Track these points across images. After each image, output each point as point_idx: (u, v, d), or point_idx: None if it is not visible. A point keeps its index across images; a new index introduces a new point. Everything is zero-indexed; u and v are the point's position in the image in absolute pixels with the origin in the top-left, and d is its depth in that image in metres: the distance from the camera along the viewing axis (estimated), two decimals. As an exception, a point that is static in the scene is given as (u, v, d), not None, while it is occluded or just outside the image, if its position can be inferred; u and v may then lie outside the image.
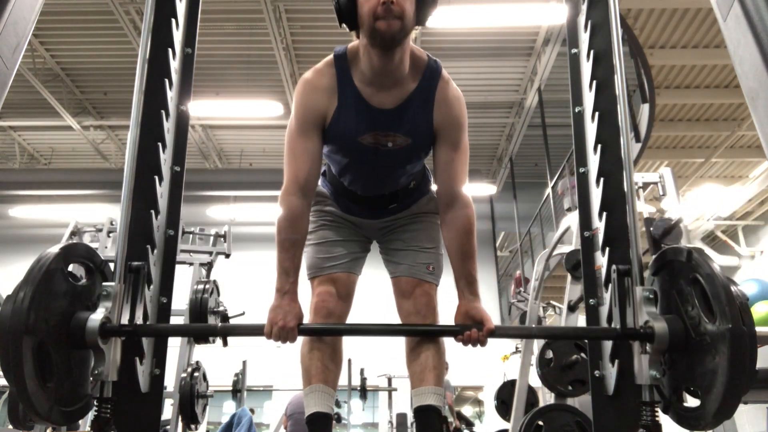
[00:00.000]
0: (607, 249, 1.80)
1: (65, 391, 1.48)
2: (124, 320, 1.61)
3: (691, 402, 1.50)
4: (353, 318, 1.91)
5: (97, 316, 1.51)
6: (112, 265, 1.67)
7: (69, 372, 1.50)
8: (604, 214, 1.83)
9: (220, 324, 1.65)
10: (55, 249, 1.48)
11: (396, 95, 1.74)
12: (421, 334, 1.83)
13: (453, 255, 1.80)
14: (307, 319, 1.79)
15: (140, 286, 1.69)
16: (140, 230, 1.77)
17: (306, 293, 1.83)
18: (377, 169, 1.84)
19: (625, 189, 1.77)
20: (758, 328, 1.39)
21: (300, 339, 1.78)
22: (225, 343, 5.13)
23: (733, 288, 1.39)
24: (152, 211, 1.80)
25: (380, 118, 1.74)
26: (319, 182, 1.99)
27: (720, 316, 1.37)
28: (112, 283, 1.60)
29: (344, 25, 1.70)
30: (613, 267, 1.70)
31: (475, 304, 1.73)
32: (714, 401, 1.37)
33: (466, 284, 1.76)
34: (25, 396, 1.35)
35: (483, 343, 1.65)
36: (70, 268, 1.55)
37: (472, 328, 1.64)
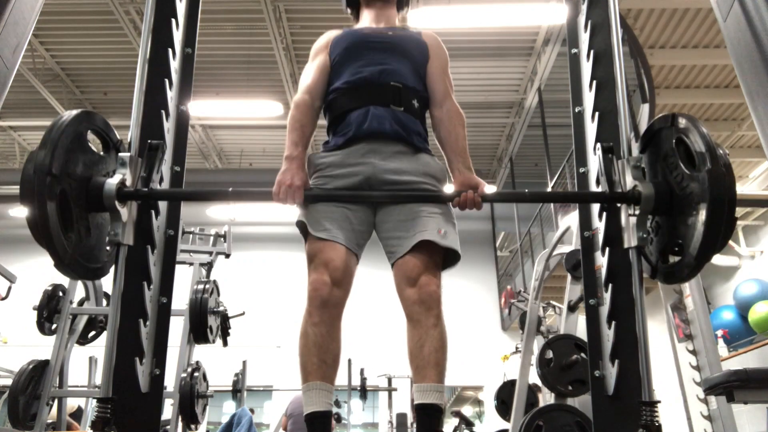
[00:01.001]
0: (596, 123, 1.90)
1: (85, 246, 1.53)
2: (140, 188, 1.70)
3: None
4: (352, 315, 1.90)
5: (114, 180, 1.59)
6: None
7: (88, 231, 1.55)
8: (604, 214, 1.83)
9: (231, 189, 1.74)
10: (73, 112, 1.53)
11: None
12: (421, 200, 1.85)
13: (447, 139, 1.98)
14: (305, 317, 1.78)
15: (156, 159, 1.77)
16: (140, 230, 1.77)
17: (302, 283, 1.82)
18: (381, 49, 2.00)
19: (625, 189, 1.77)
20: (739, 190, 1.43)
21: (295, 339, 1.78)
22: (225, 343, 5.14)
23: (716, 147, 1.43)
24: (152, 212, 1.80)
25: (378, 29, 2.08)
26: (320, 152, 1.96)
27: (700, 163, 1.41)
28: (129, 153, 1.69)
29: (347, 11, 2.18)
30: (598, 145, 1.81)
31: (470, 174, 1.90)
32: (695, 244, 1.41)
33: (461, 160, 1.93)
34: (48, 239, 1.39)
35: (479, 206, 1.79)
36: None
37: (468, 191, 1.78)
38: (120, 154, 1.68)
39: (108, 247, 1.64)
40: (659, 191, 1.56)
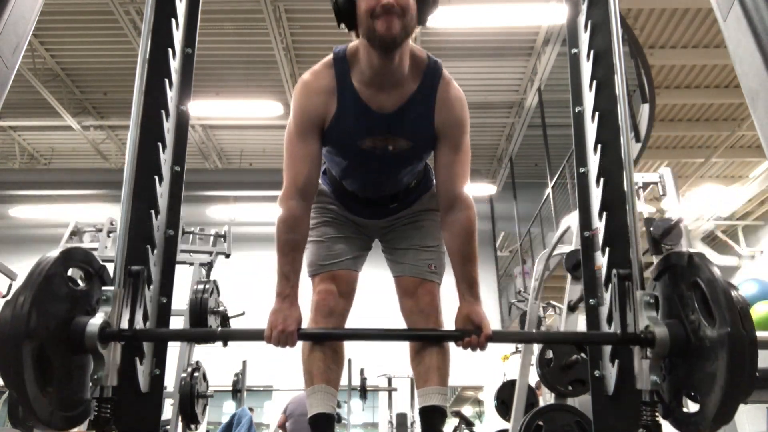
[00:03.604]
0: (607, 250, 1.79)
1: (65, 395, 1.48)
2: (124, 324, 1.61)
3: (692, 408, 1.50)
4: (354, 316, 1.91)
5: (96, 321, 1.50)
6: (111, 269, 1.66)
7: (69, 377, 1.50)
8: (604, 214, 1.83)
9: (219, 329, 1.68)
10: (54, 253, 1.48)
11: (396, 97, 1.70)
12: (423, 340, 1.84)
13: (454, 257, 1.79)
14: (306, 317, 1.78)
15: (140, 290, 1.69)
16: (140, 230, 1.77)
17: (306, 291, 1.83)
18: (378, 172, 1.83)
19: (625, 189, 1.77)
20: (759, 333, 1.38)
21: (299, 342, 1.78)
22: (225, 344, 5.14)
23: (733, 292, 1.38)
24: (152, 211, 1.80)
25: (380, 123, 1.71)
26: (320, 180, 1.99)
27: (720, 320, 1.36)
28: (112, 288, 1.59)
29: (343, 25, 1.67)
30: (614, 271, 1.69)
31: (476, 307, 1.73)
32: (713, 406, 1.36)
33: (467, 287, 1.76)
34: (26, 401, 1.35)
35: (483, 348, 1.67)
36: (69, 273, 1.54)
37: (471, 334, 1.66)
38: (103, 289, 1.59)
39: (91, 384, 1.57)
40: (674, 335, 1.49)
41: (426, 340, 1.84)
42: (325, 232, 1.94)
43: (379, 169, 1.81)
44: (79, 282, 1.60)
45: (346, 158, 1.81)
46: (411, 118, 1.72)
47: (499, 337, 1.74)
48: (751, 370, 1.34)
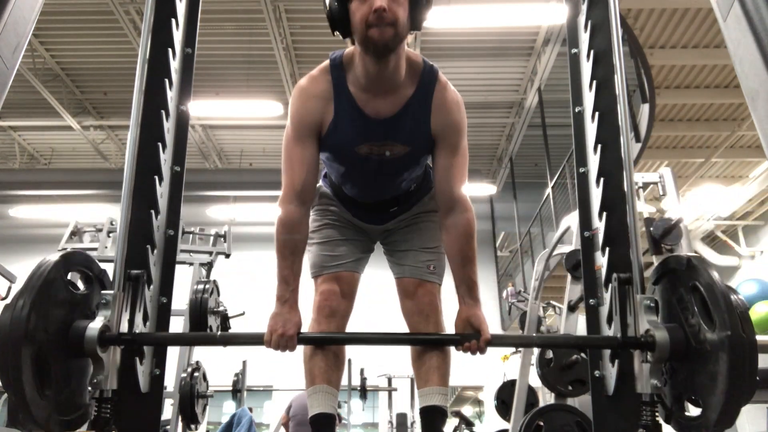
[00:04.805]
0: (607, 250, 1.79)
1: (63, 399, 1.47)
2: (123, 327, 1.60)
3: (693, 411, 1.49)
4: (355, 317, 1.92)
5: (95, 325, 1.50)
6: (110, 273, 1.66)
7: (68, 380, 1.50)
8: (604, 214, 1.83)
9: (219, 333, 1.68)
10: (54, 257, 1.48)
11: (392, 102, 1.73)
12: (423, 344, 1.83)
13: (453, 259, 1.80)
14: (308, 319, 1.78)
15: (140, 293, 1.68)
16: (140, 231, 1.77)
17: (308, 291, 1.83)
18: (376, 178, 1.85)
19: (625, 189, 1.77)
20: (759, 337, 1.38)
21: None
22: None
23: (732, 296, 1.38)
24: (152, 211, 1.80)
25: (377, 129, 1.73)
26: (321, 183, 2.01)
27: (719, 324, 1.36)
28: (111, 291, 1.59)
29: (338, 33, 1.69)
30: (614, 275, 1.69)
31: (475, 310, 1.73)
32: (715, 409, 1.36)
33: (467, 289, 1.77)
34: (24, 404, 1.34)
35: (483, 352, 1.67)
36: (69, 277, 1.54)
37: (471, 339, 1.66)
38: (102, 293, 1.59)
39: (90, 388, 1.56)
40: (675, 339, 1.49)
41: (425, 345, 1.84)
42: (327, 235, 1.95)
43: (377, 174, 1.82)
44: (79, 286, 1.60)
45: (343, 164, 1.83)
46: (408, 123, 1.73)
47: (498, 341, 1.74)
48: (752, 373, 1.34)
